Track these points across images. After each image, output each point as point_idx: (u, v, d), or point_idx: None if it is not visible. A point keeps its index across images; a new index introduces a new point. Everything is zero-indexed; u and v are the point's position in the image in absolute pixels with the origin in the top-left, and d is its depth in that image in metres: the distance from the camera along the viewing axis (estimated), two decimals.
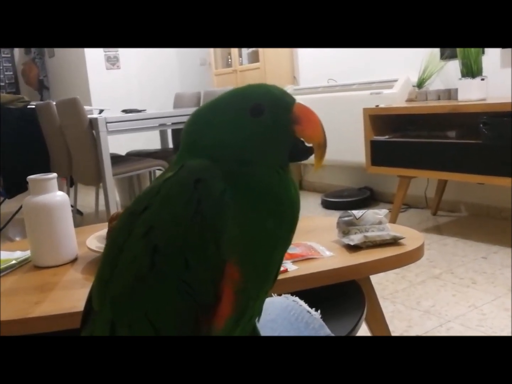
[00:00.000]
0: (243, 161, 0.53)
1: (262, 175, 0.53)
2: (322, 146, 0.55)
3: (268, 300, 0.71)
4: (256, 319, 0.62)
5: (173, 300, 0.50)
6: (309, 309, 0.80)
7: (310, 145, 0.56)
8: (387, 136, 2.95)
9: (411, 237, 1.19)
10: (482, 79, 2.67)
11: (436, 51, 3.16)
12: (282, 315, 0.78)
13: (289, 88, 3.99)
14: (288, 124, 0.55)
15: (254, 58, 4.41)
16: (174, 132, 4.01)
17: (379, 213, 1.23)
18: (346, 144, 3.38)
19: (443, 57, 3.14)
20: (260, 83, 0.58)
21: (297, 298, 0.83)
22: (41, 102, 4.03)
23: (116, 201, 3.30)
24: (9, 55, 6.83)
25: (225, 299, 0.51)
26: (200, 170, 0.52)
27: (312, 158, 0.58)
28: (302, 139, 0.56)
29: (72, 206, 1.18)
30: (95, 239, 1.24)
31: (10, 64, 6.85)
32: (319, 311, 0.81)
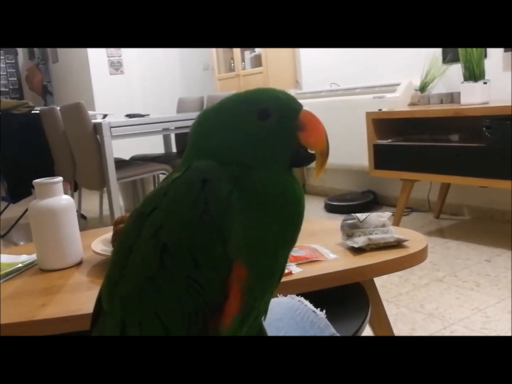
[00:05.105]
0: (248, 164, 0.54)
1: (267, 177, 0.54)
2: (324, 154, 0.56)
3: (274, 300, 0.72)
4: (262, 318, 0.63)
5: (182, 298, 0.51)
6: (314, 309, 0.81)
7: (313, 152, 0.57)
8: (390, 140, 2.96)
9: (415, 240, 1.19)
10: (485, 83, 2.68)
11: (438, 55, 3.17)
12: (288, 315, 0.78)
13: (291, 93, 3.99)
14: (293, 130, 0.56)
15: (257, 63, 4.42)
16: (178, 136, 4.02)
17: (382, 215, 1.23)
18: (349, 148, 3.38)
19: (445, 60, 3.15)
20: (269, 87, 0.59)
21: (302, 298, 0.83)
22: (45, 107, 4.05)
23: (120, 206, 3.31)
24: (13, 61, 6.86)
25: (232, 297, 0.52)
26: (207, 170, 0.53)
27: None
28: (305, 145, 0.56)
29: (76, 210, 1.20)
30: (100, 242, 1.24)
31: (14, 70, 6.89)
32: (324, 311, 0.82)
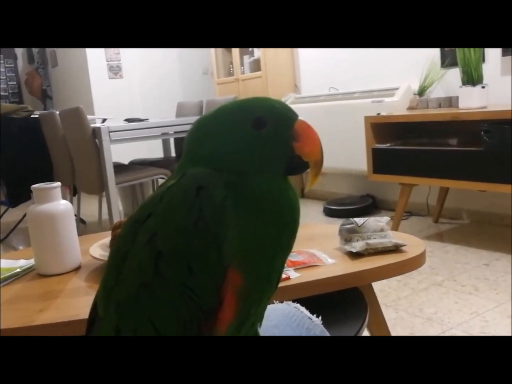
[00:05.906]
0: (242, 171, 0.54)
1: (262, 184, 0.54)
2: (318, 164, 0.57)
3: (270, 307, 0.72)
4: (258, 325, 0.63)
5: (176, 305, 0.52)
6: (310, 315, 0.80)
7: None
8: (388, 144, 2.96)
9: (413, 244, 1.19)
10: (483, 87, 2.68)
11: (437, 59, 3.18)
12: (284, 322, 0.78)
13: (290, 97, 4.01)
14: (288, 139, 0.56)
15: (256, 67, 4.43)
16: (177, 140, 4.02)
17: (381, 220, 1.23)
18: (347, 152, 3.39)
19: (443, 65, 3.16)
20: (265, 96, 0.59)
21: (298, 305, 0.83)
22: (45, 111, 4.06)
23: (119, 210, 3.31)
24: (12, 65, 6.87)
25: (226, 304, 0.52)
26: (201, 177, 0.53)
27: None
28: (299, 155, 0.56)
29: (75, 215, 1.19)
30: (99, 247, 1.24)
31: (13, 74, 6.90)
32: (320, 317, 0.82)
